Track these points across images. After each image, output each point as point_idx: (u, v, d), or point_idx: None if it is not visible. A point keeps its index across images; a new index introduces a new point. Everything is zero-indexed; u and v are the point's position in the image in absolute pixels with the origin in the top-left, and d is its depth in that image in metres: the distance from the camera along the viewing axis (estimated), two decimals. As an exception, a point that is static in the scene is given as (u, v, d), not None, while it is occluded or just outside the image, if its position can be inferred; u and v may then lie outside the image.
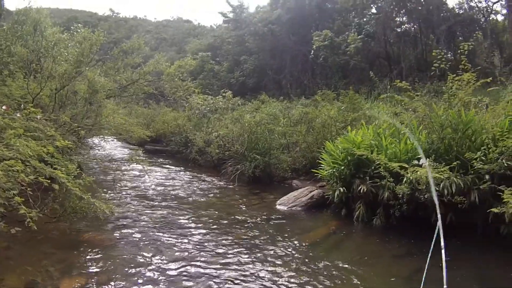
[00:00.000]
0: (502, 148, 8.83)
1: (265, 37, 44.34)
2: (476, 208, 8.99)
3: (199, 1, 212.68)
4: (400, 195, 9.69)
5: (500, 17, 37.99)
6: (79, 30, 15.22)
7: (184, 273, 7.47)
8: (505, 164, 8.62)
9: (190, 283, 7.07)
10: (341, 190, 11.36)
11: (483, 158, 8.95)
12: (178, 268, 7.68)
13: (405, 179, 9.69)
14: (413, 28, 39.98)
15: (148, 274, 7.35)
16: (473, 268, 7.95)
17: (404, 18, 40.29)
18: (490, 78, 11.05)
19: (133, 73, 16.28)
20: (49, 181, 7.06)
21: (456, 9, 38.18)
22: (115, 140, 24.88)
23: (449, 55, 31.32)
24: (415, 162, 9.88)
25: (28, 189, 7.00)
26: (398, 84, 11.44)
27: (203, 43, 56.14)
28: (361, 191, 10.70)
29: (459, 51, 11.30)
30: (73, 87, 12.94)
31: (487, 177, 8.88)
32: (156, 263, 7.85)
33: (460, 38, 34.76)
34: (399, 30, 39.95)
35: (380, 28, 37.07)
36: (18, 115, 7.92)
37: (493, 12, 37.09)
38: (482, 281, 7.43)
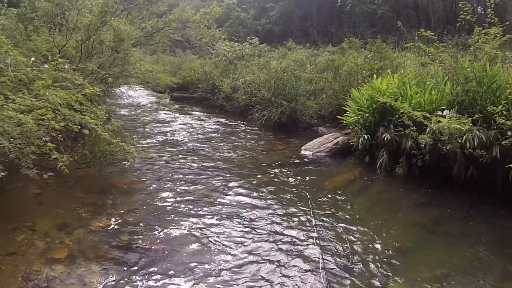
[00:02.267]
0: (526, 104, 8.75)
1: (292, -16, 43.74)
2: (497, 164, 8.93)
3: None
4: (423, 145, 9.73)
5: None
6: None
7: (208, 215, 7.71)
8: (528, 121, 8.54)
9: (214, 224, 7.31)
10: (365, 137, 11.45)
11: (505, 112, 8.82)
12: (202, 210, 7.95)
13: (428, 129, 9.70)
14: (443, -21, 39.28)
15: (173, 216, 7.60)
16: (491, 224, 7.98)
17: (435, -33, 39.57)
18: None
19: (158, 21, 16.30)
20: (79, 127, 7.26)
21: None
22: (142, 88, 25.01)
23: (479, 9, 30.78)
24: (439, 113, 9.94)
25: (59, 136, 7.26)
26: (424, 33, 11.41)
27: (229, -10, 55.62)
28: (385, 139, 10.75)
29: (487, 4, 11.17)
30: (98, 37, 12.98)
31: (509, 133, 8.80)
32: (181, 206, 8.10)
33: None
34: (428, -20, 39.29)
35: (409, -24, 36.60)
36: (46, 66, 8.10)
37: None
38: (496, 236, 7.45)
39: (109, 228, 6.95)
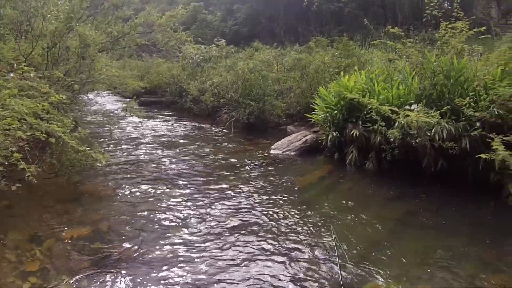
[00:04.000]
0: (493, 96, 8.86)
1: (258, -16, 43.79)
2: (467, 155, 9.11)
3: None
4: (392, 140, 9.82)
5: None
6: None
7: (180, 219, 7.67)
8: (496, 112, 8.66)
9: (187, 228, 7.27)
10: (334, 134, 11.53)
11: (473, 104, 8.99)
12: (174, 214, 7.89)
13: (396, 124, 9.80)
14: (409, -25, 39.46)
15: (146, 221, 7.55)
16: (463, 213, 8.12)
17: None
18: (484, 28, 11.05)
19: (124, 26, 16.21)
20: (45, 135, 7.13)
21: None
22: (110, 94, 24.90)
23: (445, 4, 31.01)
24: (407, 107, 9.99)
25: (26, 145, 7.14)
26: (390, 30, 11.46)
27: (195, -8, 55.57)
28: (354, 135, 10.85)
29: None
30: (64, 43, 12.87)
31: (478, 124, 8.94)
32: (152, 210, 8.04)
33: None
34: (395, -24, 39.50)
35: (375, -26, 36.77)
36: (11, 75, 7.99)
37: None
38: (470, 226, 7.58)
39: (80, 237, 6.86)
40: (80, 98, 16.90)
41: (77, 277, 5.63)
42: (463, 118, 9.23)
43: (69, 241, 6.70)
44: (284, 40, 34.26)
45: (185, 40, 20.65)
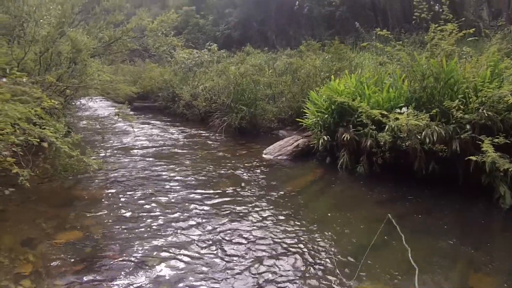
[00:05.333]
0: (482, 98, 8.93)
1: (250, -12, 43.85)
2: (457, 157, 9.16)
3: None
4: (382, 143, 9.86)
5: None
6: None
7: (174, 224, 7.68)
8: (486, 114, 8.71)
9: (180, 234, 7.27)
10: (325, 138, 11.58)
11: (462, 107, 9.03)
12: (167, 219, 7.92)
13: (386, 127, 9.88)
14: (400, -22, 39.54)
15: (138, 226, 7.58)
16: (454, 215, 8.20)
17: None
18: (473, 29, 11.10)
19: (115, 31, 16.22)
20: (38, 141, 7.23)
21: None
22: (103, 99, 24.91)
23: (436, 6, 30.98)
24: (397, 110, 10.05)
25: (20, 150, 7.18)
26: (379, 32, 11.52)
27: (187, -3, 55.54)
28: (345, 139, 10.86)
29: (442, 2, 11.31)
30: (56, 48, 12.89)
31: (468, 126, 9.03)
32: (145, 215, 8.08)
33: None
34: (386, -21, 39.57)
35: (366, -22, 36.81)
36: (4, 80, 8.02)
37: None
38: (461, 228, 7.63)
39: (73, 241, 6.90)
40: (73, 103, 16.93)
41: (69, 280, 5.67)
42: (453, 121, 9.29)
43: (62, 245, 6.74)
44: (276, 44, 34.36)
45: (177, 44, 20.69)
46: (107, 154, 13.11)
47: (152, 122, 20.80)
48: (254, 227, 7.52)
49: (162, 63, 27.74)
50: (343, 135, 10.95)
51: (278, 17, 41.57)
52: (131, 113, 15.23)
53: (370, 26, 28.59)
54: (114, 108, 20.01)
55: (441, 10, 11.30)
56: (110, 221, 7.81)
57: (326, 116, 11.80)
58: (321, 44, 21.50)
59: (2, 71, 9.94)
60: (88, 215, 8.06)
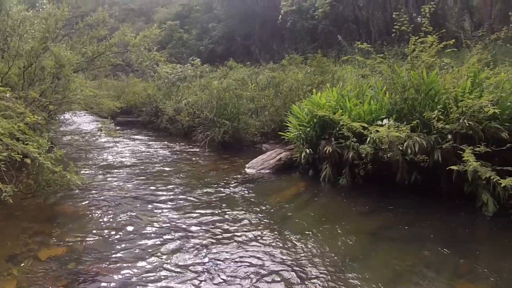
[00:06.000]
0: (463, 108, 9.03)
1: (233, 3, 44.04)
2: (439, 167, 9.25)
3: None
4: (364, 155, 9.90)
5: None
6: (44, 7, 15.07)
7: (158, 240, 7.65)
8: (467, 124, 8.79)
9: (164, 249, 7.24)
10: (308, 151, 11.60)
11: (442, 117, 9.14)
12: (151, 235, 7.88)
13: (368, 139, 9.95)
14: (382, -8, 39.80)
15: (122, 242, 7.55)
16: (439, 224, 8.23)
17: (373, -19, 40.05)
18: (453, 40, 11.16)
19: (99, 46, 16.21)
20: (21, 157, 7.17)
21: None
22: (87, 114, 24.86)
23: (418, 19, 31.21)
24: (379, 122, 10.10)
25: (2, 166, 7.10)
26: (360, 46, 11.58)
27: (171, 12, 55.64)
28: (327, 152, 10.88)
29: (422, 14, 11.39)
30: (40, 63, 12.89)
31: (449, 136, 9.12)
32: (129, 231, 8.03)
33: (431, 2, 34.77)
34: (368, -7, 39.83)
35: (349, -9, 36.97)
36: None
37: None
38: (445, 237, 7.65)
39: (57, 257, 6.88)
40: (57, 118, 16.88)
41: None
42: (435, 131, 9.37)
43: (46, 260, 6.72)
44: (259, 58, 34.42)
45: (159, 59, 20.68)
46: (90, 170, 13.01)
47: (136, 137, 20.77)
48: (240, 243, 7.48)
49: (146, 78, 27.84)
50: (325, 148, 10.98)
51: (261, 31, 41.76)
52: (115, 128, 15.19)
53: (353, 39, 28.74)
54: (98, 122, 19.96)
55: (421, 22, 11.36)
56: (93, 237, 7.76)
57: (308, 129, 11.85)
58: (303, 57, 21.59)
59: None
60: (71, 231, 8.01)
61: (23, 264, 6.57)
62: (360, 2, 37.56)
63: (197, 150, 16.79)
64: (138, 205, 9.57)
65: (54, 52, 12.58)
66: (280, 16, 36.33)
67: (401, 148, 9.42)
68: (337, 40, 25.03)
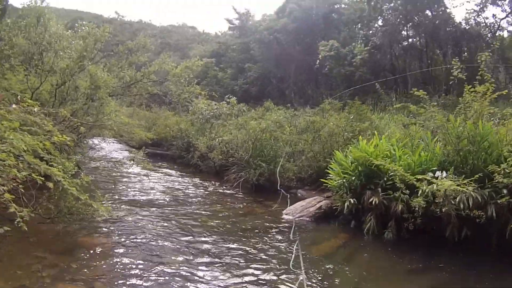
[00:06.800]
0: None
1: (270, 45, 44.42)
2: (492, 223, 8.68)
3: (205, 8, 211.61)
4: (415, 208, 9.27)
5: (506, 34, 38.04)
6: (83, 28, 14.92)
7: (186, 284, 7.01)
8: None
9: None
10: (352, 201, 10.96)
11: (507, 171, 8.57)
12: (179, 279, 7.21)
13: (420, 192, 9.33)
14: (418, 42, 39.81)
15: (146, 284, 6.89)
16: (488, 284, 7.71)
17: (411, 32, 40.04)
18: (506, 91, 10.80)
19: (137, 72, 15.99)
20: (43, 178, 6.50)
21: (463, 25, 37.99)
22: (116, 142, 24.71)
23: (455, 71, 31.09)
24: (430, 174, 9.54)
25: (21, 186, 6.52)
26: (415, 92, 11.19)
27: (207, 49, 56.30)
28: (373, 202, 10.31)
29: (468, 64, 11.11)
30: (74, 82, 12.64)
31: (505, 191, 8.58)
32: (155, 273, 7.37)
33: (465, 54, 34.71)
34: (405, 43, 39.84)
35: (387, 40, 36.93)
36: (14, 106, 7.52)
37: (500, 28, 37.12)
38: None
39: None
40: (85, 141, 16.61)
41: None
42: (489, 185, 8.90)
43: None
44: (294, 102, 34.27)
45: (199, 93, 20.46)
46: (117, 200, 12.50)
47: (165, 170, 20.51)
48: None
49: (179, 112, 27.80)
50: (371, 199, 10.41)
51: (297, 75, 41.87)
52: (147, 159, 14.79)
53: (390, 87, 28.54)
54: (127, 151, 19.66)
55: (464, 74, 10.98)
56: (115, 276, 7.12)
57: (352, 178, 11.30)
58: (342, 104, 21.22)
59: (14, 97, 9.54)
60: (91, 267, 7.37)
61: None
62: (397, 51, 37.51)
63: (229, 190, 16.37)
64: (164, 245, 8.91)
65: (91, 71, 12.35)
66: (318, 61, 36.26)
67: (453, 202, 8.83)
68: (373, 88, 24.75)
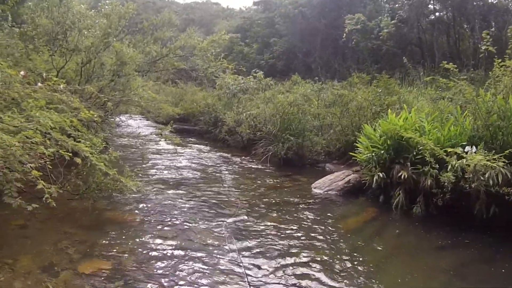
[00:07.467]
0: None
1: (295, 20, 44.10)
2: None
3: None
4: (444, 183, 9.15)
5: (536, 8, 37.37)
6: (106, 7, 14.89)
7: (213, 260, 7.02)
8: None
9: (219, 271, 6.61)
10: (380, 175, 10.85)
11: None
12: (209, 253, 7.23)
13: (449, 167, 9.23)
14: (446, 16, 39.27)
15: (176, 259, 6.89)
16: None
17: (437, 6, 39.48)
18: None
19: (163, 47, 15.96)
20: (71, 155, 6.52)
21: (491, -1, 37.46)
22: (142, 118, 24.76)
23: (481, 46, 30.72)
24: (460, 149, 9.45)
25: (49, 163, 6.50)
26: (445, 65, 11.02)
27: (232, 24, 55.96)
28: (402, 177, 10.22)
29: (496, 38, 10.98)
30: (100, 59, 12.65)
31: None
32: (185, 248, 7.39)
33: (493, 28, 34.24)
34: (432, 17, 39.32)
35: (413, 14, 36.36)
36: (39, 84, 7.53)
37: (529, 2, 36.51)
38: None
39: (101, 272, 6.22)
40: (112, 118, 16.66)
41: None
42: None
43: (88, 275, 6.07)
44: (320, 76, 34.02)
45: (226, 67, 20.40)
46: (145, 175, 12.61)
47: (193, 145, 20.54)
48: (310, 270, 6.85)
49: (205, 87, 27.78)
50: (400, 173, 10.31)
51: (323, 49, 41.45)
52: (173, 135, 14.80)
53: (417, 62, 28.30)
54: (154, 127, 19.70)
55: (495, 48, 10.80)
56: (145, 251, 7.14)
57: (381, 151, 11.17)
58: (370, 77, 21.08)
59: (39, 76, 9.57)
60: (119, 243, 7.37)
61: (60, 276, 5.92)
62: (424, 25, 37.05)
63: (257, 164, 16.38)
64: (194, 219, 8.94)
65: (116, 47, 12.31)
66: (344, 34, 35.95)
67: (482, 178, 8.69)
68: (401, 62, 24.53)
